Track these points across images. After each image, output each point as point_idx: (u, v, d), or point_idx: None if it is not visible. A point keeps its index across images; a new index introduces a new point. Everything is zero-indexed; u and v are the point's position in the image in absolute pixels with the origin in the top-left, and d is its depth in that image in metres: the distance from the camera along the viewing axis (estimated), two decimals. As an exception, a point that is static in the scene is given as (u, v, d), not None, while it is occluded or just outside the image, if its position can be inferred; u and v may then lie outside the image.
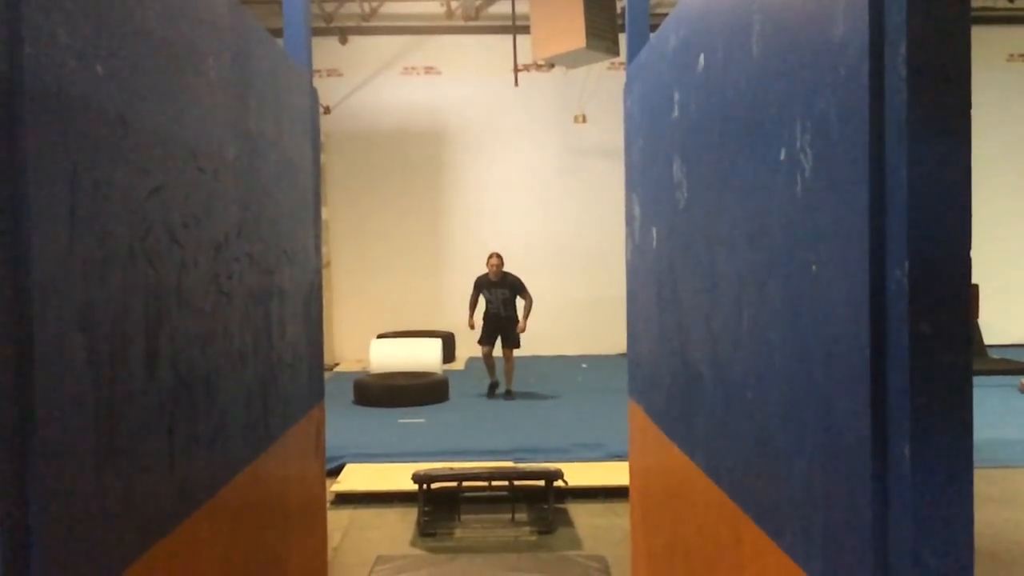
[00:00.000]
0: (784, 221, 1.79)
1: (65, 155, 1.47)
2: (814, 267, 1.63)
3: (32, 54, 1.36)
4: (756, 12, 1.92)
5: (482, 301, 9.68)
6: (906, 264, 1.31)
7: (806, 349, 1.68)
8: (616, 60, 10.46)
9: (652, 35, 3.33)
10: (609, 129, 11.70)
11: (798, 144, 1.69)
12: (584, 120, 13.02)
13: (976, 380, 1.54)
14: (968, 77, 1.30)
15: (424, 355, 10.57)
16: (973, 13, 10.99)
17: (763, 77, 1.89)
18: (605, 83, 12.26)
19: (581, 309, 12.80)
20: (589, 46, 9.42)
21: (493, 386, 9.83)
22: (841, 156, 1.49)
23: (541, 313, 12.19)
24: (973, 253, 1.36)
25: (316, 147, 3.81)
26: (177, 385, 1.97)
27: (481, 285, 9.65)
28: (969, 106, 1.32)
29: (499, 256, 9.61)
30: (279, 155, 3.05)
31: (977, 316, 9.58)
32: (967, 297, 1.35)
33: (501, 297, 9.53)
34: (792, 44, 1.72)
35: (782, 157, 1.78)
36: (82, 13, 1.54)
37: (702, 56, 2.39)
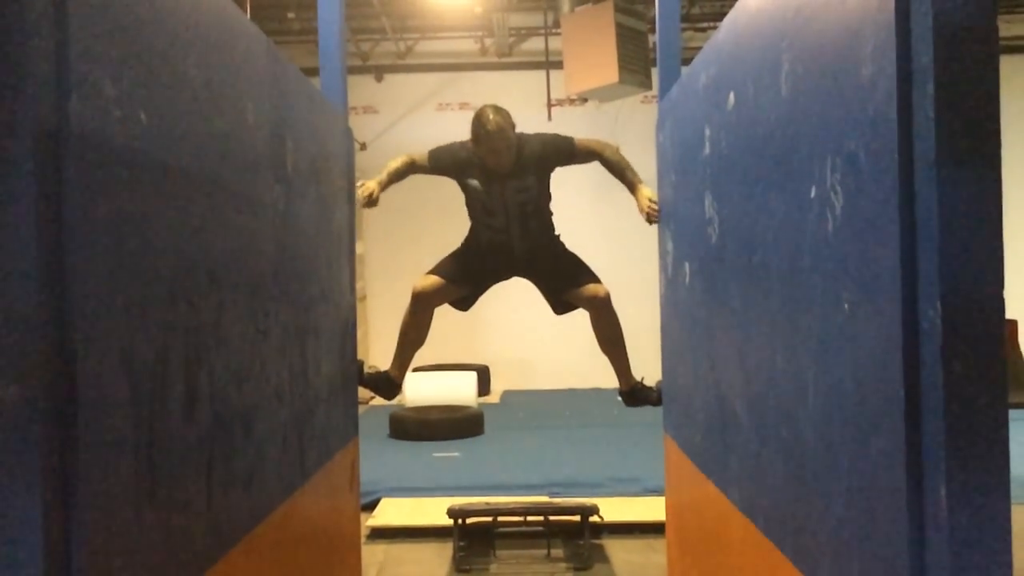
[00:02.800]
0: (816, 259, 1.79)
1: (108, 202, 1.52)
2: (847, 305, 1.63)
3: (78, 107, 1.42)
4: (785, 52, 1.93)
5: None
6: (938, 304, 1.31)
7: (840, 388, 1.67)
8: (648, 93, 10.50)
9: (683, 72, 3.36)
10: (642, 161, 11.62)
11: (828, 183, 1.69)
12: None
13: (1014, 414, 1.52)
14: (997, 116, 1.30)
15: (459, 389, 10.59)
16: (1009, 42, 10.88)
17: (793, 115, 1.90)
18: (638, 116, 12.30)
19: (616, 342, 12.73)
20: (622, 80, 9.49)
21: (388, 381, 4.23)
22: (871, 195, 1.49)
23: (575, 345, 12.17)
24: (1011, 286, 1.35)
25: (351, 185, 3.87)
26: (215, 424, 2.00)
27: (452, 167, 4.08)
28: (999, 145, 1.32)
29: (501, 114, 3.85)
30: (315, 194, 3.10)
31: (1017, 351, 9.38)
32: (1002, 335, 1.34)
33: (518, 198, 3.98)
34: (821, 84, 1.73)
35: (813, 195, 1.78)
36: (127, 64, 1.59)
37: (732, 94, 2.41)
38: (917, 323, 1.37)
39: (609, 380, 13.43)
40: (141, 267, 1.64)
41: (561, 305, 4.18)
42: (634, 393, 4.22)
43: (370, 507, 6.20)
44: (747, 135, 2.28)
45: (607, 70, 9.53)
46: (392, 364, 4.21)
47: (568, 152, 3.98)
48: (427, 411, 9.75)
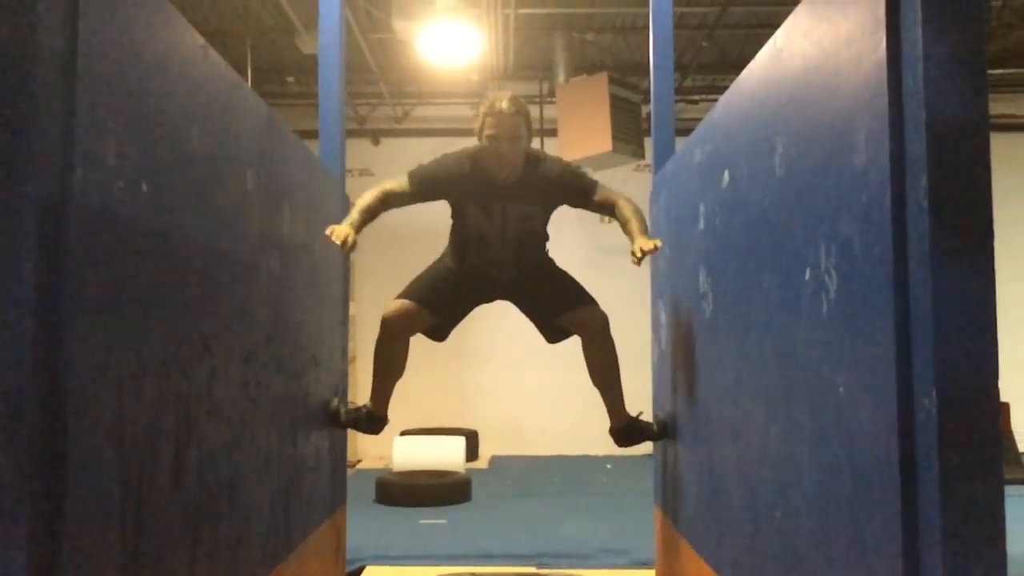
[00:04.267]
0: (811, 341, 1.80)
1: (107, 274, 1.52)
2: (841, 389, 1.63)
3: (82, 179, 1.43)
4: (780, 134, 1.97)
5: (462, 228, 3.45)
6: (934, 393, 1.31)
7: (835, 472, 1.66)
8: (641, 163, 10.63)
9: (678, 147, 3.41)
10: (635, 229, 11.70)
11: (823, 266, 1.71)
12: (610, 221, 13.16)
13: (1009, 490, 1.51)
14: (989, 208, 1.32)
15: (447, 453, 10.47)
16: (1007, 120, 11.04)
17: (787, 197, 1.93)
18: (631, 184, 12.35)
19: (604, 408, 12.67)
20: (615, 150, 9.61)
21: (369, 417, 3.70)
22: (866, 281, 1.51)
23: (564, 410, 12.12)
24: (1003, 358, 1.36)
25: (346, 255, 3.88)
26: (202, 493, 1.98)
27: (445, 185, 3.33)
28: (991, 235, 1.34)
29: (519, 106, 3.22)
30: (310, 260, 3.11)
31: (1009, 432, 9.37)
32: (997, 425, 1.34)
33: (520, 227, 3.36)
34: (815, 168, 1.76)
35: (807, 277, 1.80)
36: (131, 136, 1.61)
37: (727, 172, 2.44)
38: (912, 412, 1.37)
39: (599, 447, 13.31)
40: (136, 338, 1.63)
41: (553, 332, 3.50)
42: (629, 430, 3.53)
43: (355, 575, 6.08)
44: (742, 213, 2.30)
45: (601, 139, 9.66)
46: (371, 398, 3.58)
47: (585, 193, 3.33)
48: (414, 476, 9.62)
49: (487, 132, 3.15)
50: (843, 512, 1.62)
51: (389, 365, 3.46)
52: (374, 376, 3.50)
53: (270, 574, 2.53)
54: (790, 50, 1.90)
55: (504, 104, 3.15)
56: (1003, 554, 1.34)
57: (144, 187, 1.66)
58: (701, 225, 2.77)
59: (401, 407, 14.14)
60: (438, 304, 3.40)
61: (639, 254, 3.04)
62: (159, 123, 1.74)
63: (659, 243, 2.96)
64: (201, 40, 1.97)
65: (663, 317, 3.52)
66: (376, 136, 13.14)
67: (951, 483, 1.31)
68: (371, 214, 3.21)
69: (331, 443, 3.50)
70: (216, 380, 2.06)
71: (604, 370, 3.42)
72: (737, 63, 11.32)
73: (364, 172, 13.23)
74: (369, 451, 13.26)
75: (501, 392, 12.67)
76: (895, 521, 1.39)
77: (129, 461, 1.60)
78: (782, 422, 1.98)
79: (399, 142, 13.49)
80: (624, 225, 3.33)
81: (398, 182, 3.28)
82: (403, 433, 11.75)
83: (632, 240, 3.16)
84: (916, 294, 1.36)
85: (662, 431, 3.51)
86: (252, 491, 2.35)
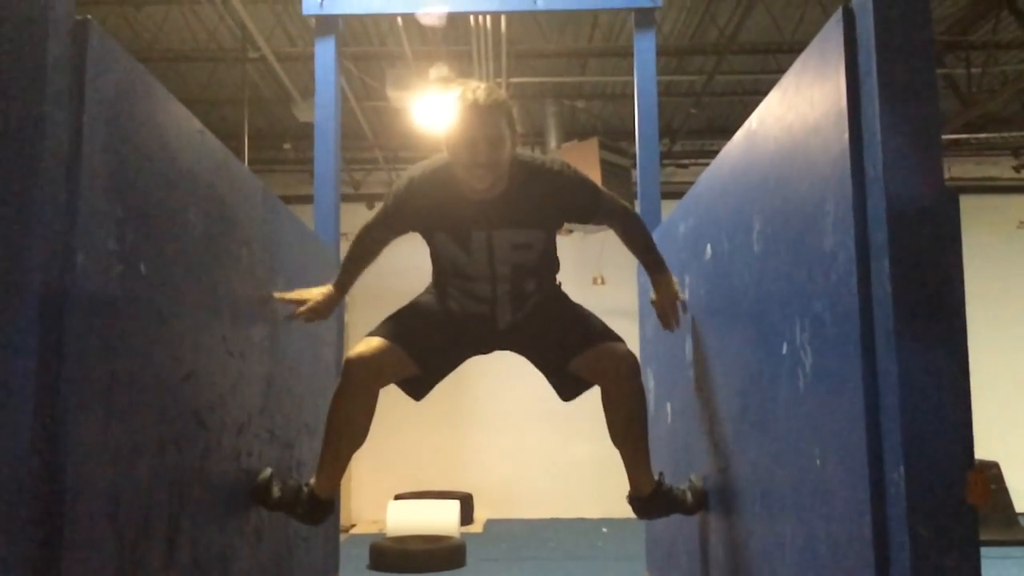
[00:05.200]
0: (789, 412, 1.85)
1: (104, 353, 1.58)
2: (818, 461, 1.68)
3: (83, 263, 1.49)
4: (756, 213, 2.05)
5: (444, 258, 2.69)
6: (902, 467, 1.36)
7: (814, 543, 1.70)
8: (633, 226, 10.75)
9: (666, 213, 3.49)
10: (626, 290, 11.75)
11: (798, 341, 1.77)
12: (603, 282, 13.27)
13: (1008, 551, 1.54)
14: (956, 288, 1.39)
15: (441, 518, 10.38)
16: (982, 183, 11.22)
17: (764, 273, 2.00)
18: (621, 247, 12.52)
19: (602, 470, 12.60)
20: (606, 214, 9.74)
21: (311, 500, 2.58)
22: (837, 357, 1.56)
23: (559, 473, 12.05)
24: (994, 418, 1.40)
25: (340, 319, 3.94)
26: (194, 567, 2.00)
27: (423, 214, 2.55)
28: (958, 312, 1.40)
29: (496, 98, 2.37)
30: (304, 331, 3.17)
31: (1003, 491, 9.34)
32: (966, 494, 1.38)
33: (513, 258, 2.56)
34: (789, 246, 1.83)
35: (784, 351, 1.86)
36: (132, 221, 1.68)
37: (709, 246, 2.52)
38: (883, 485, 1.42)
39: (593, 509, 13.19)
40: (132, 417, 1.68)
41: (566, 384, 2.71)
42: (655, 501, 2.73)
43: (346, 645, 6.00)
44: (724, 286, 2.37)
45: (592, 203, 9.81)
46: (317, 472, 2.59)
47: (589, 208, 2.60)
48: (408, 541, 9.53)
49: (459, 135, 2.32)
50: (824, 583, 1.65)
51: (347, 426, 2.51)
52: (325, 442, 2.56)
53: (260, 647, 2.53)
54: (764, 133, 1.99)
55: (478, 94, 2.31)
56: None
57: (142, 269, 1.73)
58: (686, 295, 2.84)
59: (395, 470, 14.11)
60: (421, 348, 2.57)
61: (667, 305, 2.66)
62: (158, 207, 1.81)
63: (683, 296, 2.71)
64: (199, 124, 2.05)
65: (651, 383, 3.57)
66: (371, 201, 13.29)
67: (923, 556, 1.35)
68: (361, 264, 2.78)
69: (323, 512, 3.50)
70: (209, 453, 2.10)
71: (629, 424, 2.62)
72: (724, 128, 11.55)
73: (359, 236, 13.38)
74: (363, 515, 13.14)
75: (496, 454, 12.61)
76: (871, 591, 1.43)
77: (124, 536, 1.63)
78: (766, 493, 2.02)
79: (393, 206, 13.67)
80: (642, 253, 2.73)
81: (374, 226, 2.69)
82: (397, 497, 11.66)
83: (656, 283, 2.69)
84: (884, 369, 1.42)
85: (700, 501, 2.70)
86: (244, 563, 2.36)
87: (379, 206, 2.67)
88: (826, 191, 1.60)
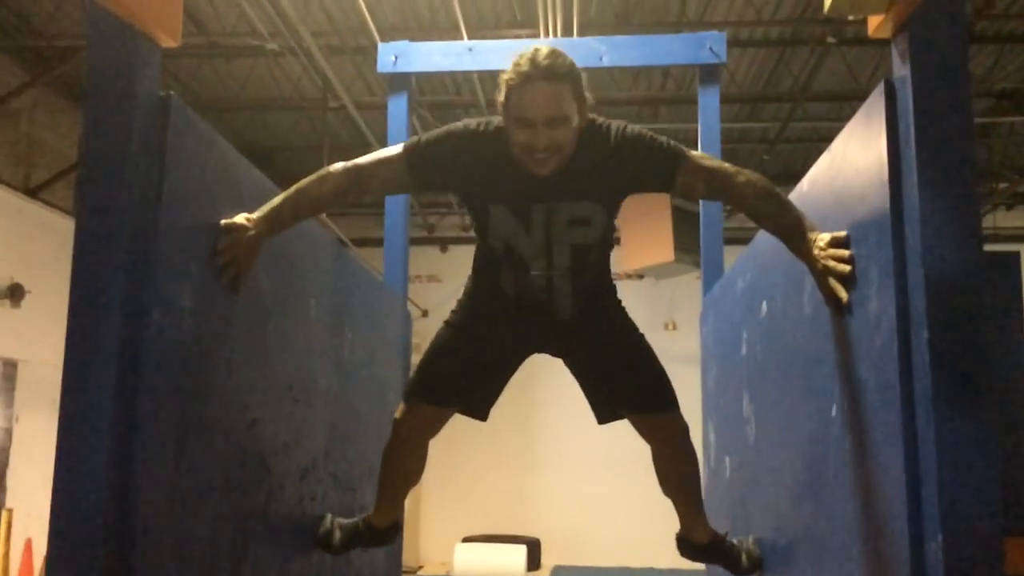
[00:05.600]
0: (838, 475, 1.85)
1: (177, 404, 1.68)
2: (865, 526, 1.68)
3: (158, 320, 1.60)
4: (807, 274, 2.06)
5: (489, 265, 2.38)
6: (939, 537, 1.36)
7: (860, 609, 1.69)
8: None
9: (725, 272, 3.51)
10: (697, 337, 11.68)
11: (846, 405, 1.78)
12: (674, 327, 13.18)
13: None
14: (988, 363, 1.40)
15: (508, 563, 10.39)
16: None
17: (815, 334, 2.01)
18: (693, 293, 12.44)
19: (672, 518, 12.43)
20: (677, 260, 9.73)
21: (372, 533, 2.69)
22: (879, 425, 1.58)
23: (629, 519, 11.90)
24: None
25: (406, 365, 4.03)
26: (256, 609, 2.08)
27: (458, 167, 2.16)
28: (990, 384, 1.40)
29: (561, 67, 1.98)
30: (369, 376, 3.27)
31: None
32: (1001, 566, 1.38)
33: (572, 235, 2.22)
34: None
35: (834, 414, 1.87)
36: (205, 280, 1.80)
37: (765, 303, 2.54)
38: (923, 554, 1.42)
39: (662, 559, 12.96)
40: (200, 461, 1.78)
41: (609, 413, 2.56)
42: (708, 551, 2.72)
43: None
44: (778, 344, 2.38)
45: (663, 249, 9.80)
46: (375, 507, 2.66)
47: (667, 167, 2.09)
48: (474, 585, 9.56)
49: (513, 114, 2.01)
50: (869, 650, 1.64)
51: (398, 472, 2.57)
52: (380, 483, 2.62)
53: None
54: (814, 196, 2.02)
55: (539, 62, 1.96)
56: None
57: (212, 324, 1.84)
58: (744, 351, 2.85)
59: (463, 512, 14.10)
60: (457, 394, 2.46)
61: (827, 271, 1.84)
62: (227, 264, 1.93)
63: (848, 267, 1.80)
64: (270, 184, 2.17)
65: (711, 436, 3.56)
66: (444, 244, 13.53)
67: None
68: (324, 200, 2.14)
69: (387, 554, 3.58)
70: (273, 497, 2.19)
71: (681, 483, 2.58)
72: (799, 175, 11.43)
73: (432, 278, 13.58)
74: (431, 557, 13.17)
75: (564, 499, 12.55)
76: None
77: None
78: (815, 556, 2.02)
79: (466, 249, 13.83)
80: (775, 222, 2.02)
81: (388, 156, 2.17)
82: (465, 540, 11.69)
83: (805, 258, 1.92)
84: (923, 438, 1.43)
85: (754, 565, 2.64)
86: (304, 605, 2.44)
87: (393, 148, 2.19)
88: (870, 258, 1.62)
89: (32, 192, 8.43)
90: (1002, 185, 10.07)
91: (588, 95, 2.05)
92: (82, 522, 1.45)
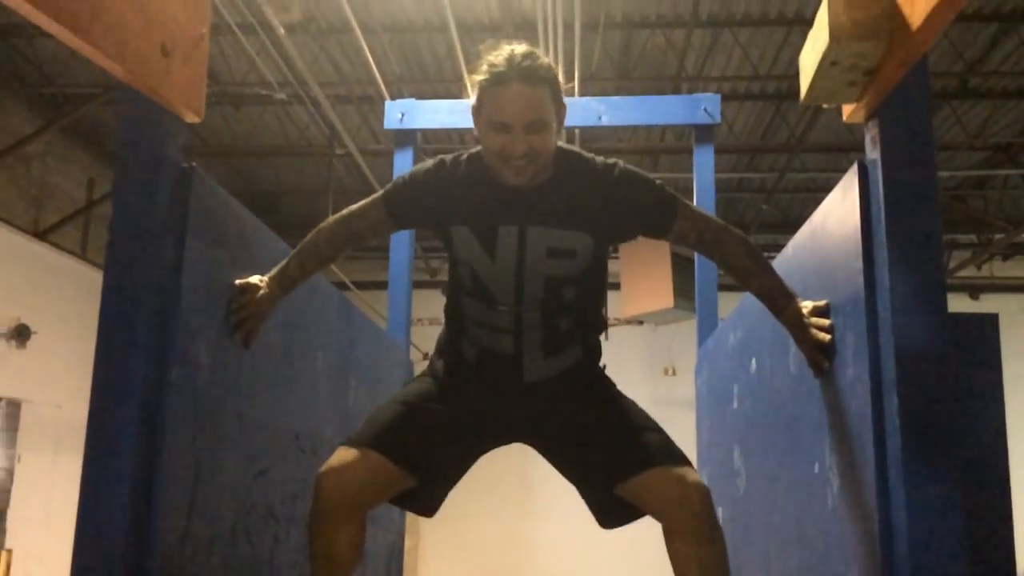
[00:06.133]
0: (820, 528, 1.94)
1: (192, 453, 1.78)
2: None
3: (177, 375, 1.71)
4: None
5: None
6: (910, 591, 1.45)
7: (840, 660, 1.77)
8: (704, 319, 10.79)
9: (719, 324, 3.61)
10: (692, 387, 11.74)
11: (827, 463, 1.87)
12: (674, 372, 13.26)
13: None
14: (952, 424, 1.49)
15: (505, 608, 10.32)
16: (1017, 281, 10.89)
17: (799, 394, 2.11)
18: (693, 338, 12.55)
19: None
20: (677, 306, 9.84)
21: None
22: (857, 484, 1.67)
23: (628, 569, 11.86)
24: None
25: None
26: (260, 654, 2.15)
27: (433, 198, 2.02)
28: (958, 446, 1.50)
29: (538, 70, 1.82)
30: (372, 425, 3.36)
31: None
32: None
33: (548, 267, 1.96)
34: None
35: (816, 471, 1.96)
36: (221, 337, 1.90)
37: (754, 360, 2.64)
38: (897, 609, 1.50)
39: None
40: (212, 510, 1.87)
41: (610, 508, 2.08)
42: None
43: None
44: (767, 401, 2.48)
45: (663, 296, 9.92)
46: None
47: (664, 212, 1.97)
48: (471, 631, 9.52)
49: (488, 118, 1.84)
50: None
51: (328, 561, 1.94)
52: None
53: None
54: (799, 262, 2.13)
55: (515, 64, 1.81)
56: None
57: (226, 379, 1.94)
58: (735, 404, 2.94)
59: (462, 558, 14.10)
60: (413, 452, 1.99)
61: (813, 344, 1.86)
62: (241, 321, 2.04)
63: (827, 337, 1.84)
64: (283, 245, 2.29)
65: (706, 487, 3.64)
66: (446, 287, 13.67)
67: None
68: (326, 255, 2.11)
69: (384, 601, 3.63)
70: (278, 545, 2.27)
71: None
72: (797, 223, 11.61)
73: (434, 321, 13.69)
74: (429, 603, 13.11)
75: (564, 547, 12.51)
76: None
77: (198, 623, 1.81)
78: (801, 606, 2.09)
79: (427, 293, 14.02)
80: (749, 283, 1.99)
81: (372, 201, 2.08)
82: (460, 585, 11.64)
83: (789, 324, 1.93)
84: (895, 502, 1.52)
85: None
86: (305, 650, 2.51)
87: (372, 197, 2.09)
88: (847, 325, 1.72)
89: (41, 235, 8.57)
90: (997, 236, 10.20)
91: (565, 101, 1.91)
92: (103, 564, 1.54)
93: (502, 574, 12.79)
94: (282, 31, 6.13)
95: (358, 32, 6.47)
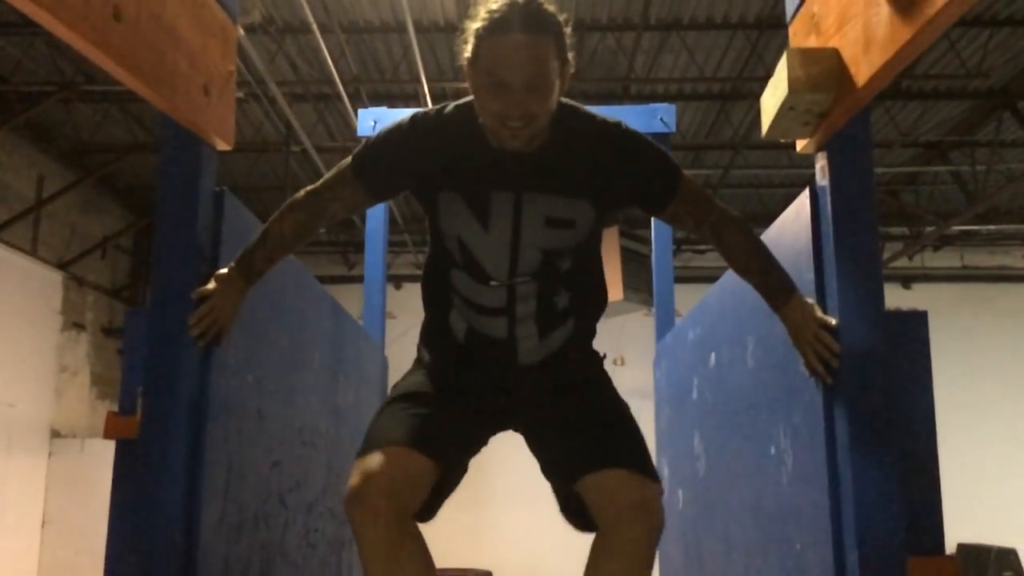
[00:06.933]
0: (776, 504, 2.22)
1: (225, 448, 1.99)
2: (798, 545, 2.04)
3: (216, 378, 1.91)
4: (749, 333, 2.45)
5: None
6: (856, 552, 1.73)
7: (795, 615, 2.05)
8: (652, 309, 11.15)
9: (677, 322, 3.90)
10: (645, 371, 11.99)
11: (782, 445, 2.15)
12: (623, 363, 13.62)
13: None
14: (891, 413, 1.77)
15: (462, 595, 10.57)
16: (995, 271, 11.51)
17: (756, 385, 2.39)
18: (641, 330, 12.91)
19: (620, 550, 12.76)
20: (626, 299, 10.18)
21: None
22: (808, 462, 1.95)
23: (580, 553, 12.19)
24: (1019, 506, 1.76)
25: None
26: (275, 629, 2.37)
27: (412, 160, 1.79)
28: (896, 430, 1.78)
29: (540, 20, 1.59)
30: (357, 418, 3.56)
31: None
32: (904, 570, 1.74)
33: (545, 237, 1.78)
34: (775, 365, 2.23)
35: (772, 452, 2.24)
36: (245, 342, 2.11)
37: (713, 355, 2.92)
38: (844, 567, 1.78)
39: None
40: (239, 499, 2.08)
41: (575, 507, 1.89)
42: None
43: None
44: (725, 391, 2.76)
45: (612, 289, 10.21)
46: None
47: (667, 186, 1.84)
48: (430, 617, 9.76)
49: (484, 71, 1.63)
50: (803, 649, 2.00)
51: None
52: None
53: None
54: (755, 268, 2.40)
55: (515, 11, 1.60)
56: None
57: (250, 379, 2.15)
58: (695, 395, 3.22)
59: (418, 547, 13.92)
60: (439, 443, 1.79)
61: (815, 345, 1.80)
62: (261, 329, 2.25)
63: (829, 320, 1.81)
64: (298, 264, 2.49)
65: (665, 471, 3.92)
66: (399, 281, 13.82)
67: (873, 625, 1.71)
68: (293, 238, 1.91)
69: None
70: (287, 530, 2.49)
71: None
72: (742, 216, 12.04)
73: (388, 316, 13.86)
74: (384, 591, 13.31)
75: (517, 532, 12.79)
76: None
77: (230, 599, 2.02)
78: (763, 573, 2.37)
79: (419, 287, 14.19)
80: (755, 270, 1.93)
81: (335, 180, 1.87)
82: (418, 573, 11.86)
83: (788, 320, 1.88)
84: (843, 473, 1.80)
85: None
86: (309, 627, 2.73)
87: (340, 166, 1.86)
88: (800, 327, 2.00)
89: (-7, 233, 8.53)
90: (928, 228, 10.73)
91: (570, 56, 1.69)
92: (161, 550, 1.75)
93: (454, 560, 13.02)
94: (241, 31, 6.26)
95: (316, 32, 6.63)
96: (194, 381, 1.83)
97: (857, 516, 1.74)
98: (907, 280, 12.10)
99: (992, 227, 11.16)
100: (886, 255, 11.72)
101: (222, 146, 1.98)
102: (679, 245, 12.03)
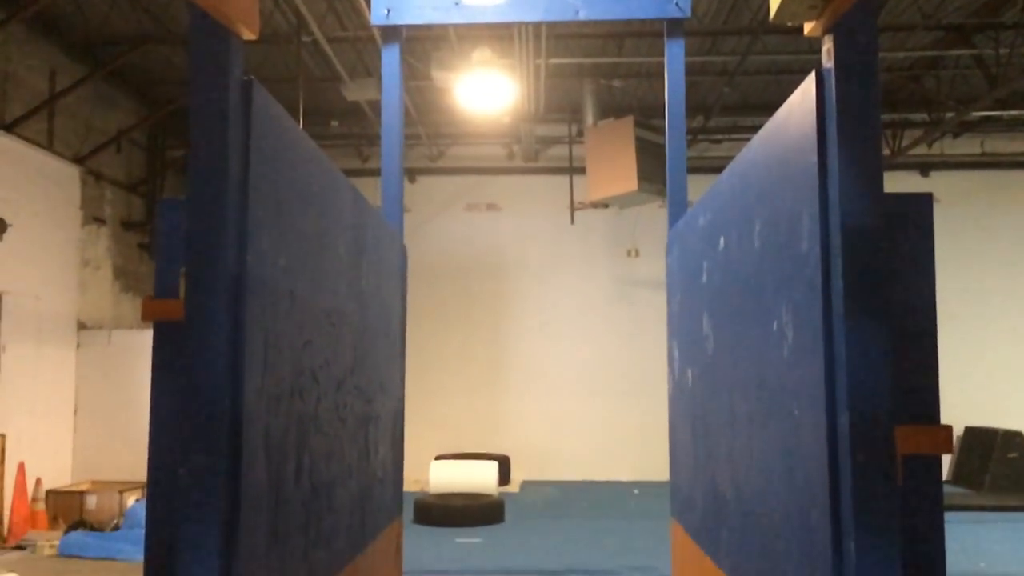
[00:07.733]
0: (777, 374, 2.36)
1: (262, 323, 2.13)
2: (796, 412, 2.19)
3: (252, 260, 2.04)
4: (756, 216, 2.54)
5: None
6: (847, 413, 1.87)
7: (793, 477, 2.22)
8: (665, 201, 11.19)
9: (688, 210, 3.98)
10: (659, 263, 12.12)
11: (784, 320, 2.27)
12: (637, 254, 13.75)
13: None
14: (886, 286, 1.89)
15: (481, 477, 11.02)
16: (1015, 157, 11.46)
17: (761, 265, 2.50)
18: (656, 221, 13.02)
19: (633, 434, 13.21)
20: (641, 189, 10.20)
21: None
22: (807, 335, 2.07)
23: (594, 437, 12.61)
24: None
25: (404, 294, 4.49)
26: (312, 492, 2.57)
27: None
28: (891, 303, 1.90)
29: None
30: (379, 303, 3.72)
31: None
32: (891, 436, 1.88)
33: None
34: (779, 245, 2.33)
35: (774, 328, 2.36)
36: (275, 228, 2.22)
37: (722, 238, 3.02)
38: (836, 427, 1.93)
39: (625, 472, 13.69)
40: (277, 371, 2.23)
41: None
42: None
43: (399, 585, 6.64)
44: (733, 273, 2.87)
45: (627, 179, 10.27)
46: None
47: None
48: (450, 498, 10.18)
49: None
50: (799, 503, 2.17)
51: None
52: None
53: (352, 563, 3.11)
54: (764, 154, 2.48)
55: None
56: (890, 530, 1.88)
57: (282, 262, 2.27)
58: (704, 279, 3.34)
59: (436, 432, 14.71)
60: None
61: None
62: (290, 216, 2.36)
63: None
64: (313, 144, 2.58)
65: (676, 352, 4.08)
66: (413, 175, 13.86)
67: (860, 474, 1.86)
68: None
69: (393, 458, 4.08)
70: (320, 403, 2.66)
71: None
72: (758, 105, 11.93)
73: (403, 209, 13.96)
74: (407, 475, 13.86)
75: (533, 418, 13.19)
76: (825, 504, 1.95)
77: (272, 460, 2.20)
78: (761, 438, 2.54)
79: (434, 179, 14.21)
80: None
81: None
82: (438, 458, 12.33)
83: None
84: (836, 346, 1.92)
85: None
86: (342, 493, 2.94)
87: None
88: (803, 208, 2.09)
89: (8, 127, 8.58)
90: (948, 115, 10.61)
91: None
92: (206, 417, 1.91)
93: (473, 445, 13.49)
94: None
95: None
96: (232, 263, 1.96)
97: (849, 385, 1.87)
98: (925, 168, 12.03)
99: (1014, 112, 11.01)
100: (905, 142, 11.63)
101: (248, 36, 2.05)
102: (695, 135, 11.96)
